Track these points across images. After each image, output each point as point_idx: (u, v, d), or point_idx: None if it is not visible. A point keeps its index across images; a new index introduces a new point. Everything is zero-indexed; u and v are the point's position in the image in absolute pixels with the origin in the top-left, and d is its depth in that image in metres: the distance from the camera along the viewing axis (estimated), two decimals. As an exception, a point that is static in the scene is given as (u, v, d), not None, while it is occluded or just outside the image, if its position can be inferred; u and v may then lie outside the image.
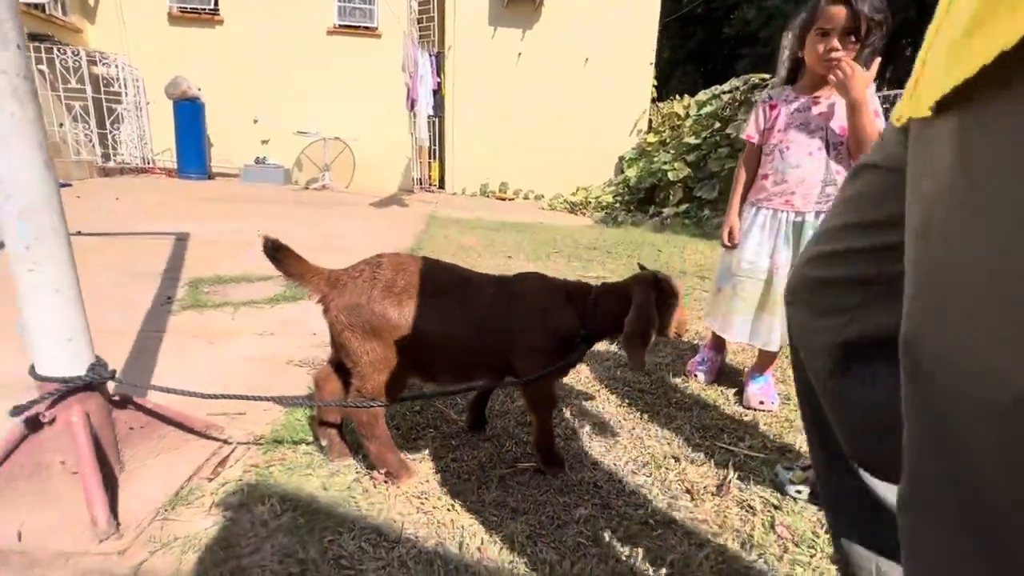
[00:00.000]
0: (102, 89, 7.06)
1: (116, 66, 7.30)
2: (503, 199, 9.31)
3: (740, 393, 1.83)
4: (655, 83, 9.62)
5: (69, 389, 1.14)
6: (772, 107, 1.70)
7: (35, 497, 1.13)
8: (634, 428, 1.62)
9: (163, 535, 1.11)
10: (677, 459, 1.46)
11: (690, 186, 7.23)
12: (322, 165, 8.42)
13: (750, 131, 1.74)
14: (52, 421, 1.15)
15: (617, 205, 8.21)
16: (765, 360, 1.80)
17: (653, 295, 1.24)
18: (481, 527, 1.15)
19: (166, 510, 1.18)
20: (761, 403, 1.74)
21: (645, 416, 1.70)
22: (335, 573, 1.01)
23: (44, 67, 6.38)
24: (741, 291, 1.76)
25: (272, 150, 8.55)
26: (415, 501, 1.23)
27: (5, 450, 1.12)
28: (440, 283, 1.25)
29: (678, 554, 1.10)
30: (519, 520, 1.19)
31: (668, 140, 8.67)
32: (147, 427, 1.37)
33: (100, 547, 1.07)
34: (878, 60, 1.46)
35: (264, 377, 1.87)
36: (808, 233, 1.64)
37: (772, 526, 1.20)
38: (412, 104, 6.24)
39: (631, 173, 8.39)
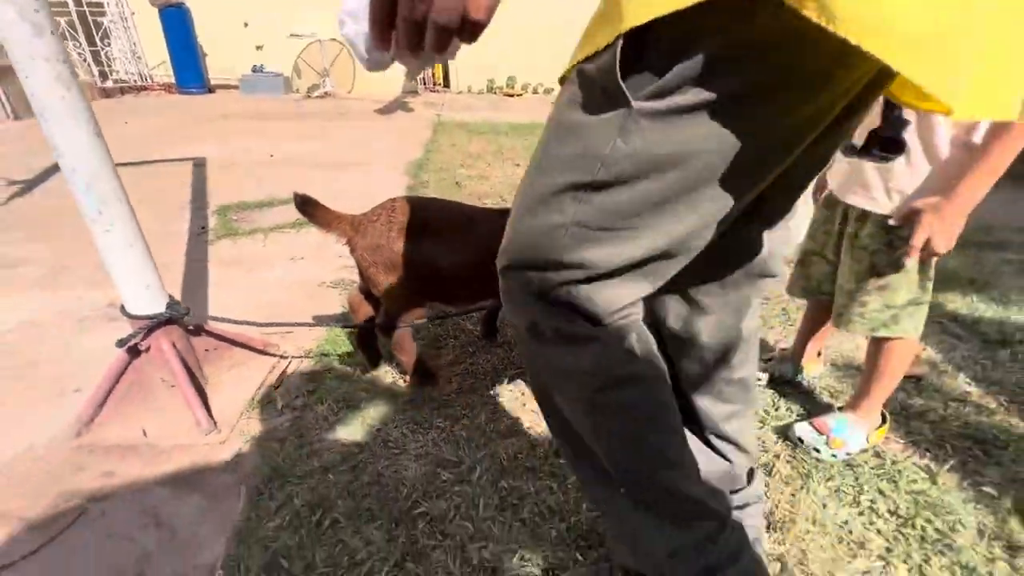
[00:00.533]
0: (84, 1, 6.71)
1: (92, -28, 6.85)
2: (511, 95, 8.94)
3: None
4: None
5: (155, 324, 1.41)
6: None
7: (147, 407, 1.45)
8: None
9: (250, 429, 1.43)
10: (661, 356, 1.72)
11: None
12: (321, 70, 8.09)
13: None
14: (148, 349, 1.44)
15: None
16: None
17: None
18: (495, 415, 1.45)
19: (248, 411, 1.50)
20: None
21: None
22: (384, 452, 1.33)
23: (20, -20, 6.04)
24: None
25: (268, 56, 8.19)
26: (442, 398, 1.53)
27: (117, 372, 1.42)
28: (447, 222, 1.42)
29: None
30: (527, 410, 1.48)
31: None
32: (219, 349, 1.67)
33: (206, 439, 1.40)
34: None
35: (301, 299, 2.13)
36: None
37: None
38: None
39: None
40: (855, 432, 1.29)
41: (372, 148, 4.87)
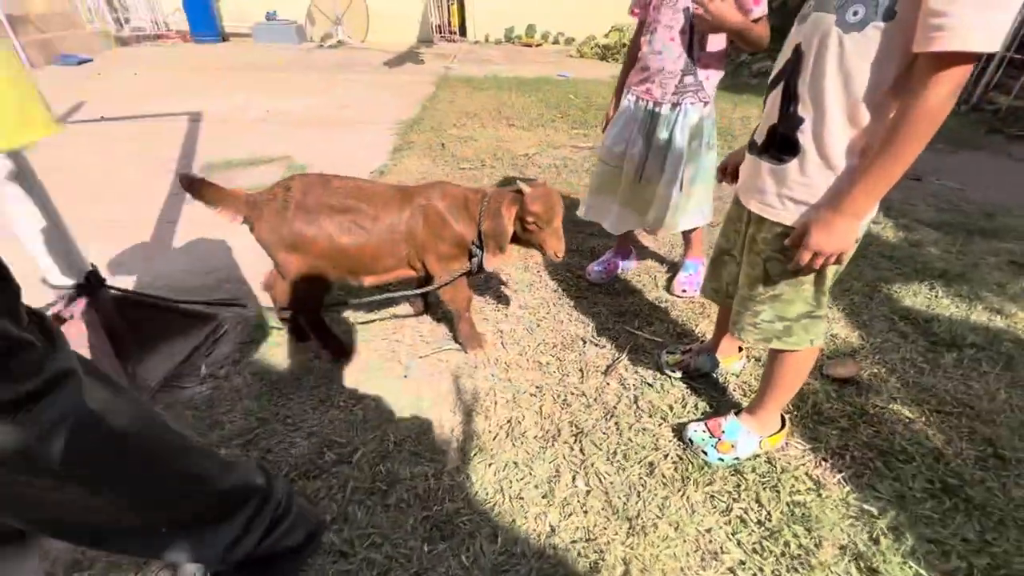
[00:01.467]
0: (95, -55, 6.67)
1: (102, -87, 6.76)
2: (529, 45, 8.54)
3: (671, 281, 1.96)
4: None
5: (73, 293, 1.46)
6: None
7: (75, 370, 1.53)
8: (559, 312, 1.83)
9: (168, 398, 1.50)
10: (584, 341, 1.69)
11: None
12: (334, 18, 7.90)
13: (633, 4, 1.59)
14: (71, 317, 1.50)
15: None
16: (690, 248, 1.88)
17: (515, 210, 1.34)
18: (398, 397, 1.47)
19: (171, 379, 1.56)
20: (684, 291, 1.87)
21: (573, 301, 1.89)
22: (282, 427, 1.37)
23: (32, -76, 6.03)
24: (598, 174, 1.78)
25: (281, 3, 8.03)
26: (350, 375, 1.55)
27: (44, 338, 1.50)
28: (348, 199, 1.39)
29: (546, 417, 1.38)
30: (436, 389, 1.49)
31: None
32: (157, 316, 1.72)
33: (125, 405, 1.47)
34: None
35: (259, 267, 2.16)
36: (662, 126, 1.57)
37: (636, 400, 1.44)
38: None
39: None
40: (747, 437, 1.25)
41: (368, 105, 4.79)
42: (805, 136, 0.92)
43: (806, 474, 1.23)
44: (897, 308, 1.81)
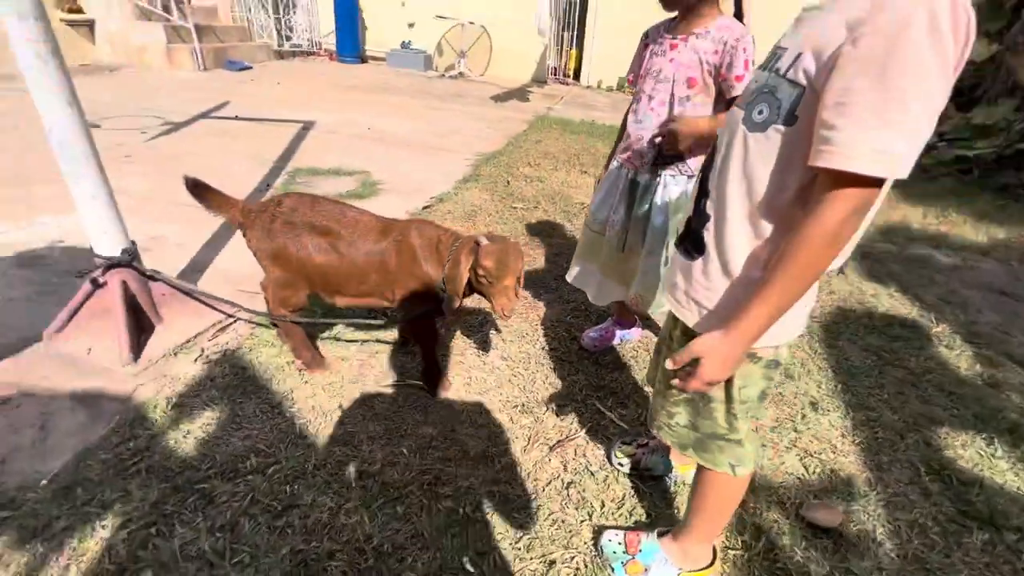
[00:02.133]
0: (277, -25, 7.89)
1: (290, -50, 8.00)
2: (640, 96, 8.51)
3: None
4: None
5: (109, 264, 1.69)
6: (645, 45, 1.45)
7: (98, 331, 1.75)
8: (536, 372, 1.75)
9: (164, 370, 1.66)
10: (547, 408, 1.59)
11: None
12: (459, 51, 8.51)
13: (630, 70, 1.54)
14: (105, 284, 1.73)
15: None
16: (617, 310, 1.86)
17: (471, 260, 1.31)
18: (346, 418, 1.49)
19: (170, 355, 1.73)
20: (595, 344, 1.88)
21: (555, 363, 1.80)
22: (230, 425, 1.44)
23: (235, -45, 7.30)
24: (583, 239, 1.73)
25: (417, 34, 8.84)
26: (311, 389, 1.60)
27: (83, 297, 1.74)
28: (331, 222, 1.47)
29: (471, 484, 1.31)
30: (378, 422, 1.49)
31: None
32: (176, 297, 1.93)
33: (123, 370, 1.65)
34: None
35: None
36: (642, 196, 1.49)
37: (568, 487, 1.32)
38: (530, -10, 5.83)
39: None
40: (663, 567, 1.09)
41: (460, 135, 5.05)
42: (709, 235, 0.82)
43: (723, 629, 1.04)
44: (931, 457, 1.49)
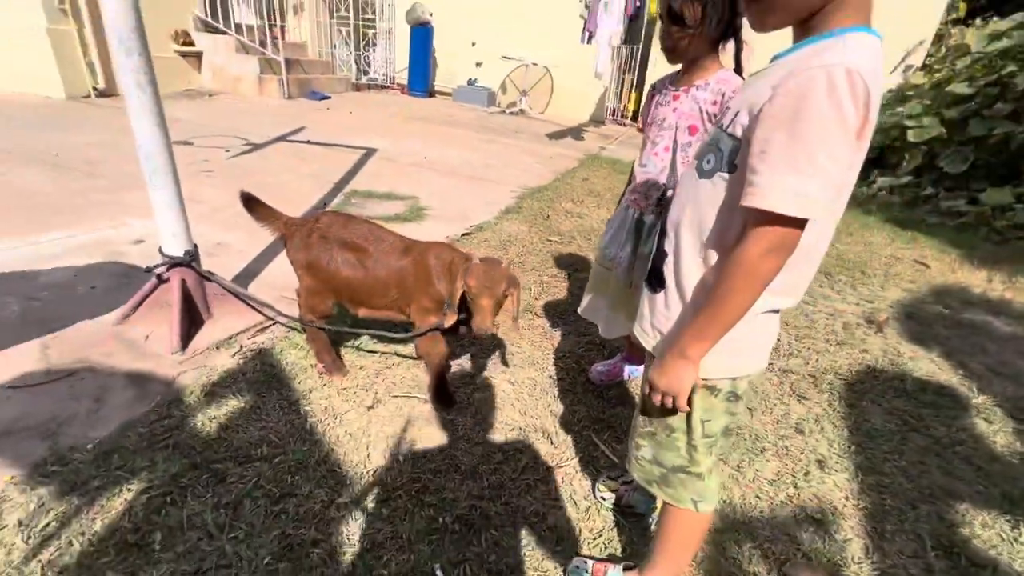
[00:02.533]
0: (360, 16, 8.64)
1: (376, -6, 8.78)
2: (697, 140, 8.49)
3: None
4: None
5: (173, 262, 1.93)
6: (652, 96, 1.55)
7: (157, 320, 1.98)
8: (539, 400, 1.80)
9: (206, 361, 1.85)
10: (544, 434, 1.63)
11: (935, 152, 5.53)
12: (521, 90, 8.89)
13: (639, 119, 1.64)
14: (167, 280, 1.97)
15: (832, 164, 6.78)
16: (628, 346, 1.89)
17: (461, 282, 1.40)
18: (356, 421, 1.60)
19: (212, 348, 1.92)
20: (601, 378, 1.91)
21: (560, 392, 1.84)
22: (249, 414, 1.59)
23: (326, -3, 8.11)
24: (593, 274, 1.79)
25: (483, 72, 9.34)
26: (327, 390, 1.73)
27: (148, 290, 1.98)
28: (360, 240, 1.62)
29: (455, 495, 1.37)
30: (381, 428, 1.59)
31: (943, 83, 6.53)
32: (226, 298, 2.15)
33: (171, 357, 1.86)
34: (732, 45, 1.32)
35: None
36: (647, 235, 1.54)
37: (544, 516, 1.35)
38: (589, 37, 6.06)
39: (865, 125, 6.70)
40: (626, 598, 1.09)
41: (510, 168, 5.26)
42: (668, 270, 0.89)
43: (677, 673, 1.03)
44: (942, 532, 1.39)
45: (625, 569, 1.14)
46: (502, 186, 4.56)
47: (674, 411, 0.90)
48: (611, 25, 5.94)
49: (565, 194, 4.48)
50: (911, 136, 5.72)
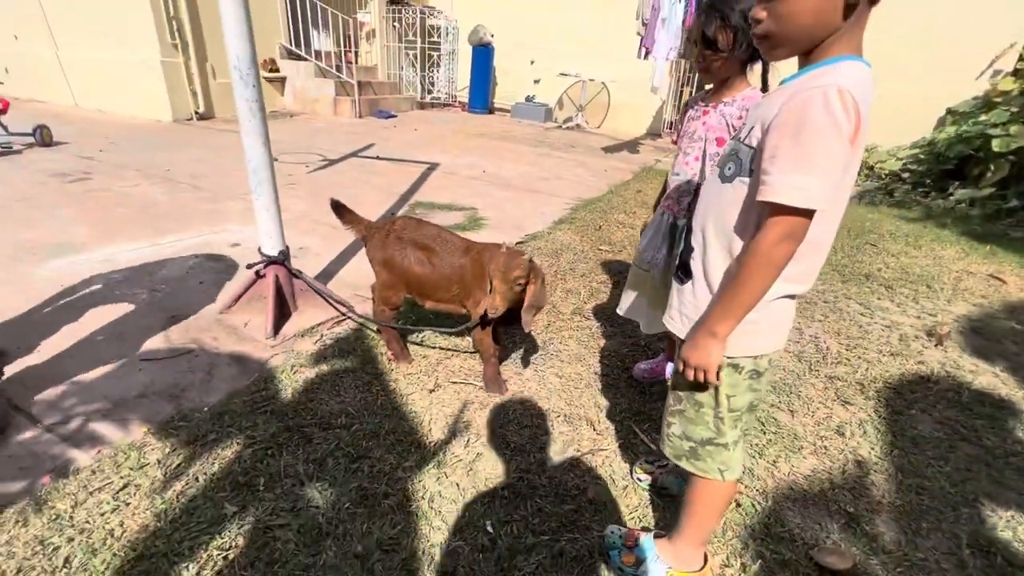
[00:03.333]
0: (427, 39, 9.20)
1: (442, 18, 9.32)
2: (758, 153, 8.32)
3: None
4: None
5: (269, 260, 2.25)
6: (685, 111, 1.68)
7: (255, 311, 2.31)
8: (584, 392, 1.95)
9: (290, 346, 2.14)
10: (588, 422, 1.78)
11: (1023, 163, 5.17)
12: (578, 105, 9.08)
13: (673, 132, 1.75)
14: (263, 275, 2.29)
15: (905, 176, 6.47)
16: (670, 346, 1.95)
17: (489, 274, 1.58)
18: (412, 401, 1.81)
19: (298, 336, 2.22)
20: (644, 375, 2.02)
21: (604, 387, 1.98)
22: (328, 390, 1.84)
23: (397, 23, 8.71)
24: (632, 276, 1.89)
25: (541, 89, 9.63)
26: (395, 374, 1.96)
27: (246, 284, 2.31)
28: (429, 240, 1.84)
29: (507, 467, 1.55)
30: (441, 409, 1.80)
31: (1033, 90, 6.08)
32: (310, 293, 2.45)
33: (266, 341, 2.16)
34: (759, 66, 1.45)
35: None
36: (681, 238, 1.61)
37: (584, 491, 1.49)
38: (646, 52, 6.15)
39: (943, 135, 6.36)
40: (655, 563, 1.21)
41: (564, 181, 5.44)
42: (695, 263, 1.03)
43: (700, 628, 1.13)
44: (981, 534, 1.39)
45: (656, 537, 1.26)
46: (556, 198, 4.74)
47: (704, 386, 1.03)
48: (668, 40, 6.02)
49: (618, 206, 4.60)
50: (996, 146, 5.38)
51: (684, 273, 1.06)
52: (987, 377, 2.18)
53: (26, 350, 1.93)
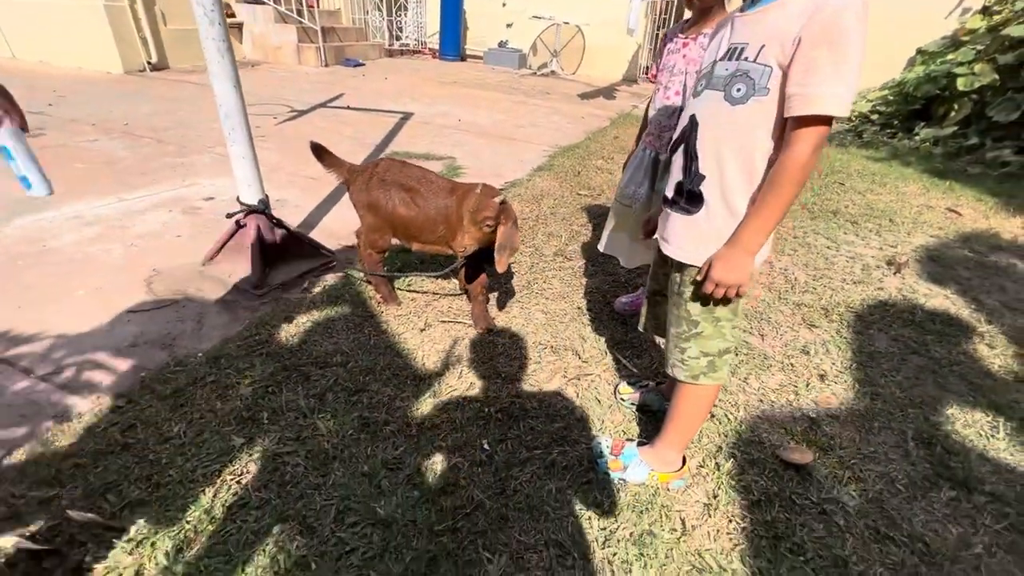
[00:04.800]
0: (393, -20, 8.71)
1: (406, -43, 8.80)
2: (733, 97, 8.30)
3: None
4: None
5: (249, 209, 2.22)
6: (663, 42, 1.66)
7: (237, 261, 2.30)
8: (569, 325, 2.04)
9: (278, 294, 2.16)
10: (573, 352, 1.87)
11: (986, 101, 5.31)
12: (552, 50, 8.83)
13: (653, 66, 1.75)
14: (244, 225, 2.27)
15: (874, 118, 6.58)
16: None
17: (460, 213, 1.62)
18: (405, 339, 1.88)
19: (284, 284, 2.23)
20: (625, 308, 2.11)
21: (588, 320, 2.07)
22: (322, 331, 1.89)
23: (359, -37, 8.19)
24: (613, 212, 1.93)
25: (514, 34, 9.30)
26: (385, 316, 2.01)
27: (228, 234, 2.29)
28: (414, 182, 1.85)
29: (498, 395, 1.64)
30: (432, 346, 1.87)
31: (1001, 26, 6.16)
32: (293, 242, 2.44)
33: (253, 290, 2.17)
34: None
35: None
36: (662, 172, 1.68)
37: (572, 411, 1.60)
38: (621, -9, 5.98)
39: (911, 76, 6.44)
40: (638, 466, 1.34)
41: (541, 128, 5.38)
42: (709, 189, 1.06)
43: (679, 513, 1.27)
44: (924, 430, 1.57)
45: (639, 444, 1.38)
46: (534, 145, 4.71)
47: (728, 301, 1.11)
48: (643, -22, 5.84)
49: (596, 151, 4.60)
50: (960, 84, 5.50)
51: (690, 202, 1.10)
52: (939, 299, 2.36)
53: (3, 306, 1.91)
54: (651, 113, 1.76)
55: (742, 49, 0.99)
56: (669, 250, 1.18)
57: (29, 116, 1.26)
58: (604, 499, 1.31)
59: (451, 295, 2.22)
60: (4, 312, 1.88)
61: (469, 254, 1.74)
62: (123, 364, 1.69)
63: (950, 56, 6.03)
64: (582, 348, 1.91)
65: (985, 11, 6.78)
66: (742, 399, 1.69)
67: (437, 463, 1.39)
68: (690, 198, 1.10)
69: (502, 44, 9.25)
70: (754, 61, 0.95)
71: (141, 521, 1.17)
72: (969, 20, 6.73)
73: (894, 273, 2.58)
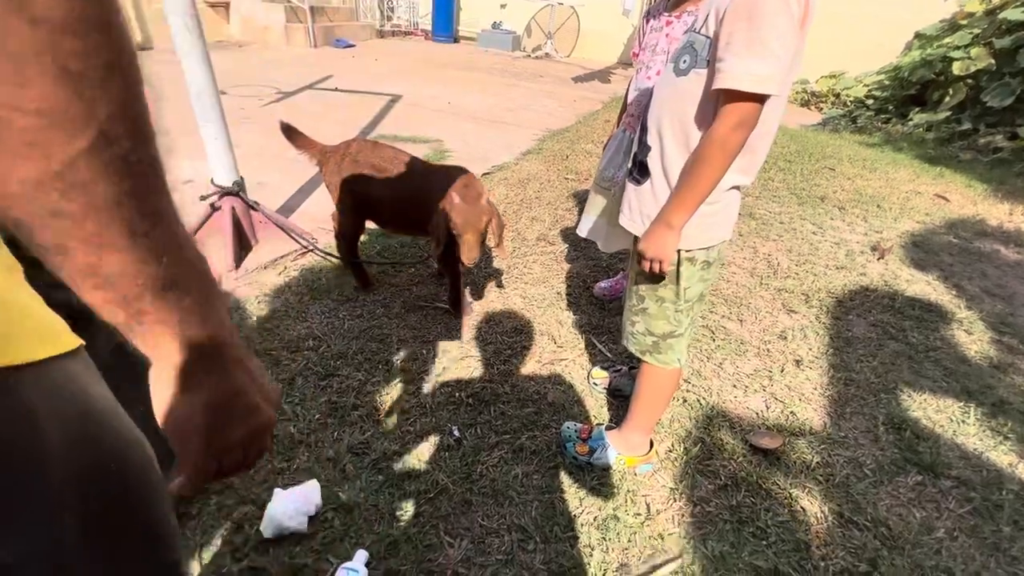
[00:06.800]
0: (384, -41, 8.51)
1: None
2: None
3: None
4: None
5: (223, 192, 2.18)
6: (647, 20, 1.60)
7: (214, 244, 2.27)
8: (547, 310, 2.02)
9: (254, 278, 2.13)
10: (549, 337, 1.86)
11: (981, 86, 5.26)
12: (547, 32, 8.69)
13: (633, 47, 1.69)
14: (219, 208, 2.23)
15: (869, 103, 6.51)
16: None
17: (445, 220, 1.60)
18: (387, 324, 1.86)
19: (261, 268, 2.20)
20: (604, 293, 2.09)
21: (566, 305, 2.06)
22: (295, 316, 1.87)
23: (348, -59, 7.98)
24: (592, 196, 1.88)
25: (508, 14, 9.13)
26: (361, 300, 1.99)
27: (203, 217, 2.25)
28: (387, 163, 1.82)
29: (469, 378, 1.63)
30: (408, 330, 1.85)
31: (998, 9, 6.08)
32: (270, 225, 2.41)
33: (229, 274, 2.14)
34: None
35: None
36: None
37: (544, 395, 1.59)
38: (615, -29, 5.86)
39: (907, 60, 6.36)
40: (604, 449, 1.33)
41: (532, 112, 5.30)
42: (653, 161, 1.05)
43: (645, 497, 1.27)
44: (896, 415, 1.57)
45: (607, 428, 1.38)
46: (524, 129, 4.64)
47: (661, 277, 1.09)
48: (637, -42, 5.71)
49: (585, 135, 4.54)
50: (956, 68, 5.43)
51: (640, 173, 1.08)
52: (920, 285, 2.35)
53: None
54: (631, 95, 1.72)
55: (696, 19, 0.96)
56: (623, 220, 1.17)
57: None
58: (570, 484, 1.30)
59: (428, 278, 2.19)
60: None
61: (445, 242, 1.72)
62: (92, 348, 1.67)
63: (947, 40, 5.95)
64: (558, 333, 1.89)
65: (984, -7, 6.69)
66: (716, 384, 1.68)
67: (404, 448, 1.38)
68: (641, 170, 1.09)
69: (496, 25, 9.09)
70: (698, 32, 0.94)
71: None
72: (967, 3, 6.63)
73: (878, 259, 2.56)
